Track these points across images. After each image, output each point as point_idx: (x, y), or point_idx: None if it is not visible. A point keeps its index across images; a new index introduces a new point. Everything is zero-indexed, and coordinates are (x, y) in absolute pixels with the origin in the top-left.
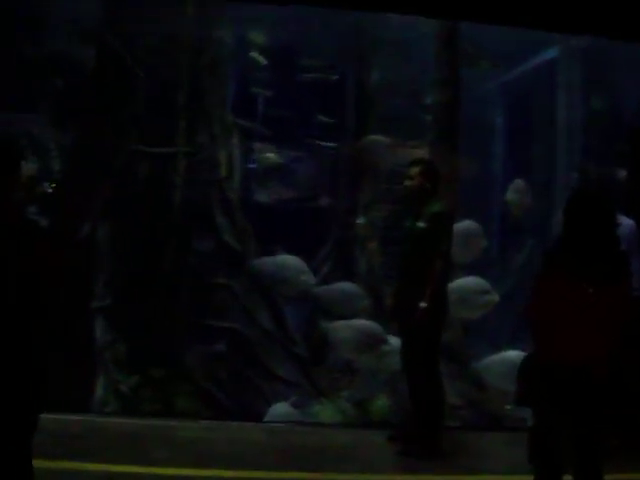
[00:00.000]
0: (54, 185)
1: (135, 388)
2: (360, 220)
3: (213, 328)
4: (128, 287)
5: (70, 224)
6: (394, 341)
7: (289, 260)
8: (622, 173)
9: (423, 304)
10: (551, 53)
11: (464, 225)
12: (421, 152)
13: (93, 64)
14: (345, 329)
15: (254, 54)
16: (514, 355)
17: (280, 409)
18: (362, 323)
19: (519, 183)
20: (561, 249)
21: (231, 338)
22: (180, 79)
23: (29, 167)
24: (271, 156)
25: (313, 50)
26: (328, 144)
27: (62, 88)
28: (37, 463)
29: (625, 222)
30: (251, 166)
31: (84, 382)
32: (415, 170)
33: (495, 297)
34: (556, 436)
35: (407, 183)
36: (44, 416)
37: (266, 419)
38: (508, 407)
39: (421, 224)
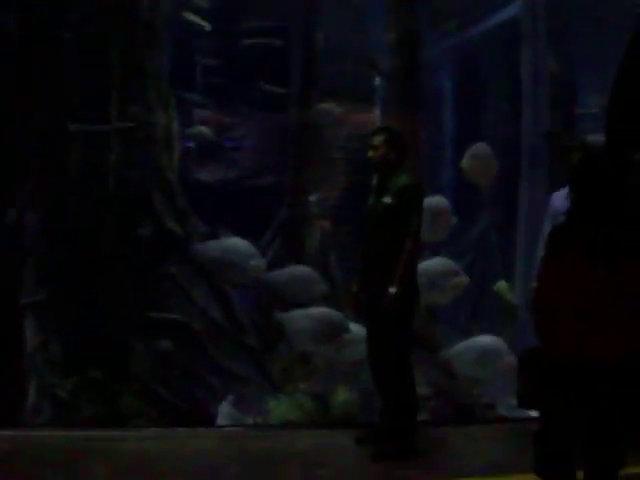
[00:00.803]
0: None
1: (73, 392)
2: (312, 197)
3: (157, 321)
4: (61, 279)
5: None
6: (356, 329)
7: (236, 243)
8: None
9: (392, 289)
10: (512, 10)
11: (432, 200)
12: (375, 120)
13: (13, 29)
14: (302, 319)
15: (194, 17)
16: (486, 341)
17: (222, 409)
18: (320, 311)
19: (479, 147)
20: (570, 227)
21: (177, 331)
22: (112, 46)
23: None
24: (211, 131)
25: (257, 11)
26: (273, 114)
27: None
28: None
29: None
30: (190, 143)
31: (13, 390)
32: (379, 139)
33: (465, 279)
34: (569, 440)
35: (370, 154)
36: None
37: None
38: (475, 393)
39: (387, 199)
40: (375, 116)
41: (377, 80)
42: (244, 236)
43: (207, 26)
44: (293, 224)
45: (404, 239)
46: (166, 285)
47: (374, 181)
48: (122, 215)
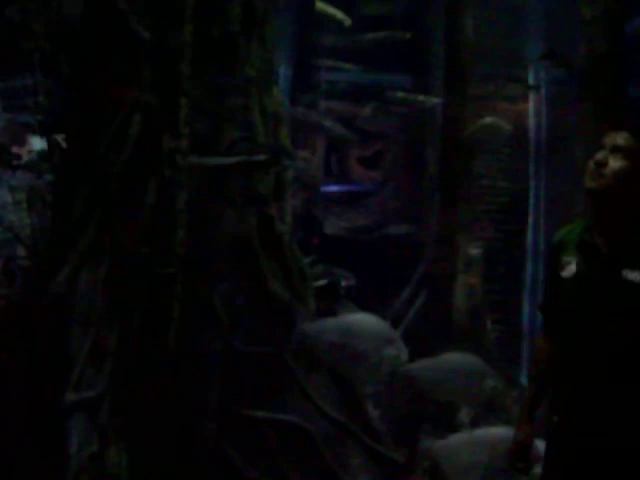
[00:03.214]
0: None
1: None
2: (474, 250)
3: (256, 421)
4: (125, 367)
5: (40, 268)
6: None
7: (362, 322)
8: None
9: None
10: None
11: None
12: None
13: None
14: (467, 449)
15: (326, 6)
16: None
17: None
18: (498, 434)
19: None
20: None
21: (285, 435)
22: (202, 45)
23: None
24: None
25: None
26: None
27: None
28: None
29: None
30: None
31: None
32: (621, 152)
33: None
34: None
35: (594, 169)
36: None
37: None
38: None
39: (636, 275)
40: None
41: (532, 80)
42: (374, 304)
43: (347, 20)
44: (436, 283)
45: None
46: (270, 372)
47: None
48: (208, 273)
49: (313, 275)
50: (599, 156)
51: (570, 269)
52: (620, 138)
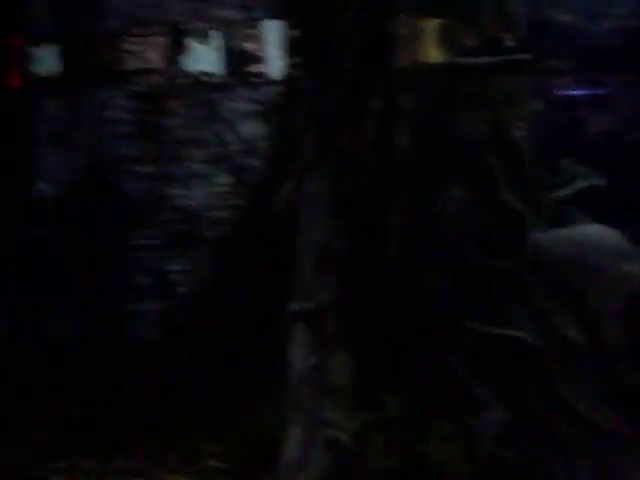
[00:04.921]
0: None
1: (361, 436)
2: None
3: (482, 336)
4: (349, 277)
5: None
6: None
7: (598, 235)
8: None
9: None
10: None
11: None
12: None
13: None
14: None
15: None
16: None
17: None
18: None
19: None
20: None
21: (513, 354)
22: None
23: None
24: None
25: None
26: None
27: None
28: None
29: None
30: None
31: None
32: None
33: None
34: None
35: None
36: None
37: None
38: None
39: None
40: None
41: None
42: (622, 216)
43: None
44: None
45: None
46: (498, 285)
47: None
48: (438, 184)
49: (568, 178)
50: None
51: None
52: None
